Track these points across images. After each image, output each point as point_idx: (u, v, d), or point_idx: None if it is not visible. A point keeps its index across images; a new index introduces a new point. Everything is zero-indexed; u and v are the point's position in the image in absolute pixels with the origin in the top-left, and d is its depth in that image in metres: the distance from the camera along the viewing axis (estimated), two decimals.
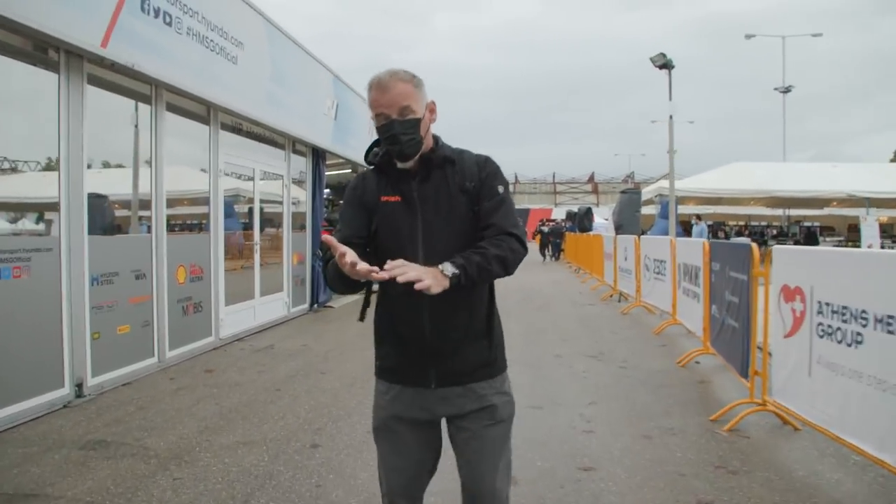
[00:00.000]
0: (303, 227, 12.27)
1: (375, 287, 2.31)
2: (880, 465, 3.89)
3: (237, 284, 9.65)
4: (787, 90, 40.31)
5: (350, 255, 1.96)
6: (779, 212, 40.29)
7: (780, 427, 5.31)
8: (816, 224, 39.97)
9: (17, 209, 6.23)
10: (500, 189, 2.30)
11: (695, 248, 8.39)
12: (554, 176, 71.98)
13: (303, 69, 11.04)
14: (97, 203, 7.03)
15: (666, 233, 20.51)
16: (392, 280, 1.91)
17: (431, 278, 1.97)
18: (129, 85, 6.87)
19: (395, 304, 2.29)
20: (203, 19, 7.54)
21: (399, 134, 2.19)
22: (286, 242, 11.38)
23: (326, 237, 2.06)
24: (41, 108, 5.80)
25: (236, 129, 9.47)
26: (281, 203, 11.33)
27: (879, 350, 3.81)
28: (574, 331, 10.15)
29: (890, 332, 3.71)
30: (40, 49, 5.70)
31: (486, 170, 2.31)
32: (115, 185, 7.25)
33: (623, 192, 20.19)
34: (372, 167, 2.39)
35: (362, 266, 1.94)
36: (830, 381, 4.29)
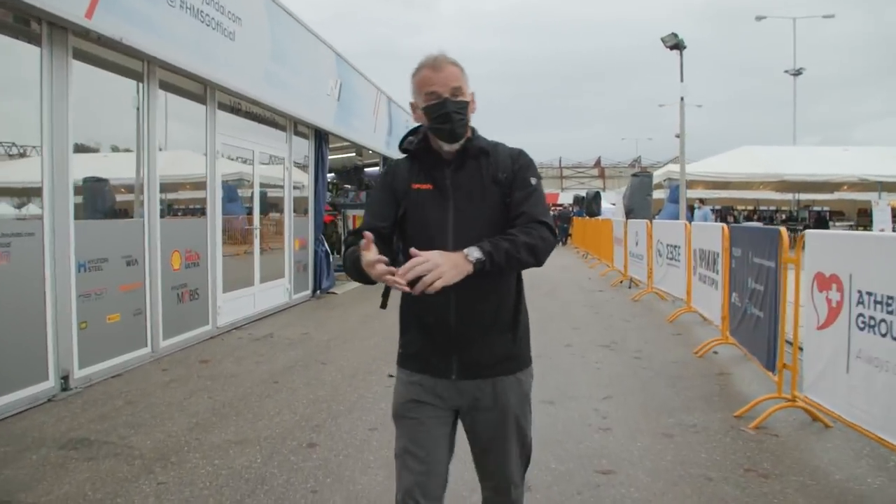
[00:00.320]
0: (305, 212, 11.92)
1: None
2: None
3: (236, 270, 9.32)
4: (797, 73, 39.67)
5: (372, 255, 1.99)
6: (788, 196, 39.79)
7: (810, 424, 4.97)
8: (826, 209, 39.52)
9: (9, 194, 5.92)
10: (533, 181, 2.29)
11: (713, 234, 8.02)
12: (560, 160, 71.48)
13: (304, 48, 10.64)
14: (97, 187, 6.76)
15: (675, 217, 20.13)
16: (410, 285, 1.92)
17: (451, 267, 1.96)
18: (120, 61, 6.51)
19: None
20: None
21: (452, 112, 2.20)
22: (288, 227, 11.03)
23: (367, 234, 2.04)
24: (25, 85, 5.45)
25: (235, 110, 9.11)
26: (282, 187, 10.96)
27: None
28: (584, 318, 9.81)
29: None
30: (22, 21, 5.34)
31: (519, 162, 2.31)
32: (120, 168, 6.90)
33: (634, 175, 19.74)
34: (405, 155, 2.39)
35: (381, 268, 1.95)
36: (872, 377, 3.94)
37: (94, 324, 6.03)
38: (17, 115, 5.68)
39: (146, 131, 6.87)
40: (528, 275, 2.40)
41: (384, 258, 1.98)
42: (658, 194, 27.71)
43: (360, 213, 16.88)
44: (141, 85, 6.84)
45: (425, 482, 2.26)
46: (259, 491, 3.76)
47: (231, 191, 9.82)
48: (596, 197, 28.30)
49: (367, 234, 2.04)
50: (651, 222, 12.53)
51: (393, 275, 1.92)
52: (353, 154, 18.19)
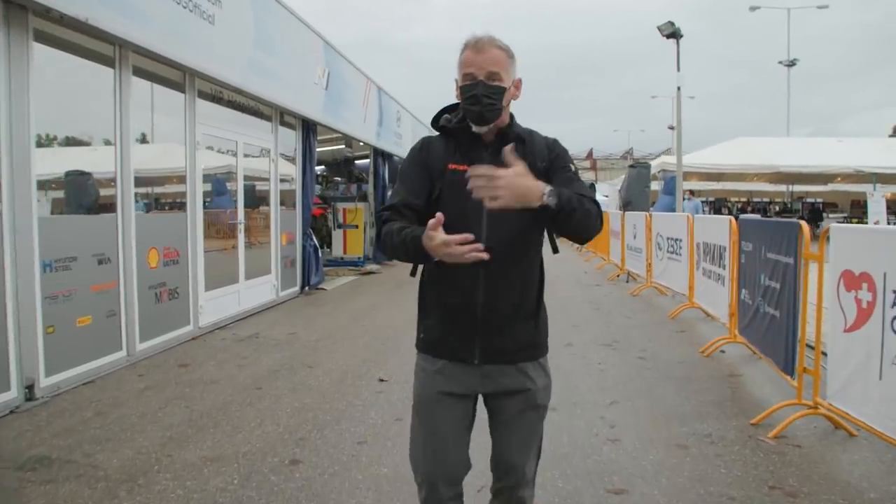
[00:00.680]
0: (293, 205, 11.49)
1: None
2: None
3: (220, 267, 8.90)
4: (791, 63, 39.41)
5: (443, 234, 1.97)
6: (781, 188, 39.58)
7: (832, 432, 4.62)
8: (819, 201, 39.35)
9: None
10: (572, 167, 2.35)
11: (719, 227, 7.66)
12: None
13: (290, 34, 10.20)
14: (79, 181, 6.36)
15: (670, 209, 19.78)
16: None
17: (515, 197, 1.97)
18: (88, 45, 6.06)
19: (450, 273, 2.21)
20: None
21: (482, 95, 2.19)
22: (274, 221, 10.60)
23: (439, 216, 1.98)
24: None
25: (216, 99, 8.66)
26: (268, 179, 10.53)
27: None
28: (583, 315, 9.44)
29: None
30: None
31: (555, 150, 2.35)
32: (91, 161, 6.46)
33: (631, 166, 19.39)
34: (438, 133, 2.38)
35: (460, 248, 1.95)
36: None
37: (62, 327, 5.61)
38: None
39: (119, 121, 6.43)
40: None
41: (458, 237, 1.96)
42: (653, 186, 27.36)
43: (350, 205, 16.51)
44: (113, 71, 6.39)
45: (445, 468, 2.32)
46: None
47: (220, 184, 9.48)
48: (591, 188, 27.81)
49: (439, 215, 1.98)
50: (650, 215, 12.17)
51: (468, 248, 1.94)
52: (343, 146, 17.75)
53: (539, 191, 2.01)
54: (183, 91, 7.79)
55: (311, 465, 4.05)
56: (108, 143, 6.45)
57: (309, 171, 11.79)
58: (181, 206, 7.89)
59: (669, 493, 3.67)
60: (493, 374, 2.30)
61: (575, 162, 2.55)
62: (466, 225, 2.07)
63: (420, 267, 2.38)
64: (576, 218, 2.10)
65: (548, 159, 2.31)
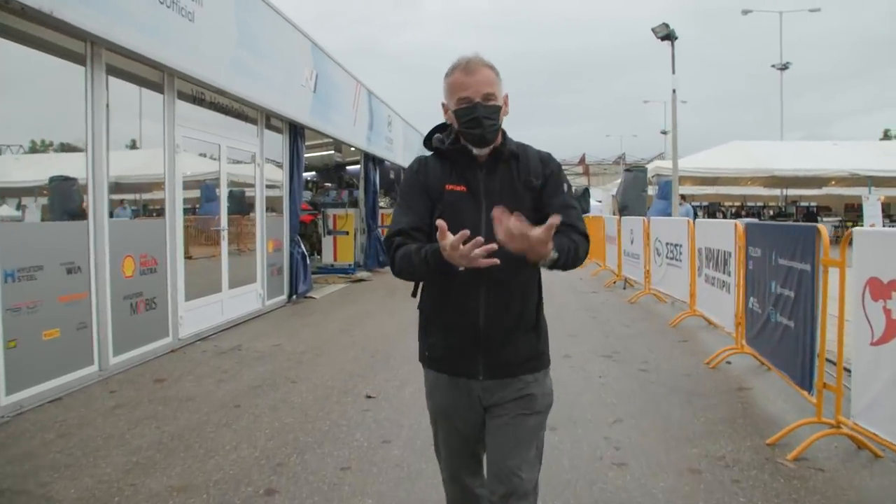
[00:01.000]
0: (280, 211, 11.11)
1: None
2: None
3: (202, 276, 8.53)
4: (784, 67, 39.24)
5: (451, 237, 1.96)
6: (776, 192, 39.41)
7: (855, 453, 4.28)
8: (813, 204, 39.21)
9: None
10: (566, 188, 2.37)
11: (723, 231, 7.32)
12: None
13: (276, 34, 9.84)
14: (64, 187, 6.02)
15: (664, 214, 19.47)
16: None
17: (535, 256, 2.02)
18: (56, 40, 5.69)
19: (451, 290, 2.26)
20: None
21: (482, 118, 2.21)
22: (260, 228, 10.21)
23: (441, 223, 1.98)
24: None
25: (198, 100, 8.30)
26: (253, 185, 10.15)
27: None
28: (581, 324, 9.08)
29: None
30: None
31: (549, 167, 2.35)
32: (61, 166, 6.12)
33: (627, 169, 19.07)
34: (431, 153, 2.40)
35: (467, 247, 1.93)
36: None
37: (26, 341, 5.23)
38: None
39: (90, 122, 6.06)
40: None
41: (467, 232, 1.94)
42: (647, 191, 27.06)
43: (341, 212, 16.15)
44: (84, 69, 6.02)
45: (465, 466, 2.49)
46: None
47: (210, 190, 9.15)
48: (585, 193, 27.57)
49: (441, 223, 1.97)
50: (648, 219, 11.84)
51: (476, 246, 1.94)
52: (332, 151, 17.36)
53: (547, 252, 2.04)
54: (161, 91, 7.41)
55: (288, 495, 3.68)
56: (66, 147, 6.08)
57: (297, 176, 11.42)
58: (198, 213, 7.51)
59: None
60: (496, 388, 2.33)
61: (567, 168, 2.53)
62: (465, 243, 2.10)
63: (420, 286, 2.43)
64: (565, 269, 2.24)
65: (542, 176, 2.32)
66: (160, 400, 5.49)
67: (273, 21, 9.71)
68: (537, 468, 2.38)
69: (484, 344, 2.30)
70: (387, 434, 4.64)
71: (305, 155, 18.40)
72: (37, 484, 3.81)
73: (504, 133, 2.36)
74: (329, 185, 21.24)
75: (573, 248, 2.21)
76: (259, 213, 10.19)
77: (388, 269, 12.09)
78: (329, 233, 16.20)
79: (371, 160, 16.26)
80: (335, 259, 16.00)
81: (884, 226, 25.91)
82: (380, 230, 17.09)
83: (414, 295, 2.46)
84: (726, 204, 44.33)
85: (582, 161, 68.45)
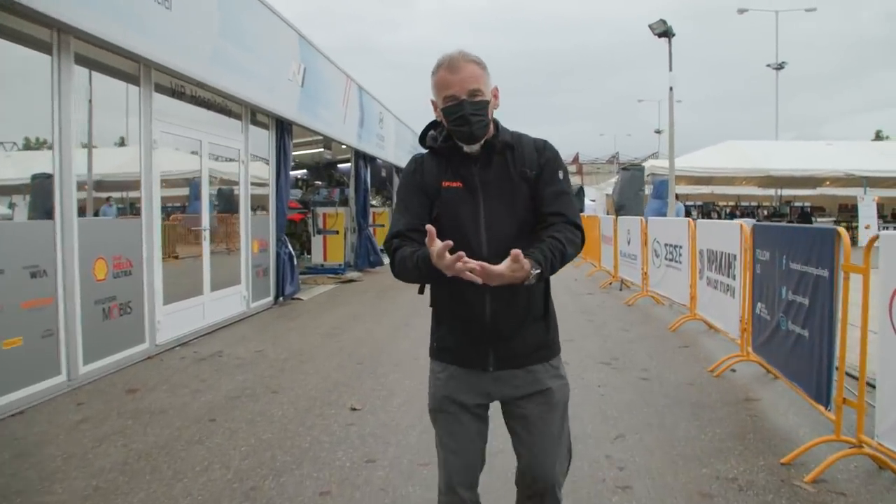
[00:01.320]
0: (266, 210, 10.75)
1: None
2: None
3: (182, 278, 8.17)
4: (780, 67, 39.10)
5: (440, 244, 1.98)
6: (770, 192, 39.22)
7: (877, 473, 3.95)
8: (808, 205, 39.05)
9: None
10: (560, 174, 2.34)
11: (728, 233, 7.00)
12: None
13: (261, 25, 9.48)
14: (45, 184, 5.66)
15: (659, 213, 19.17)
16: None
17: (501, 283, 2.03)
18: (17, 26, 5.32)
19: (456, 287, 2.18)
20: None
21: (469, 115, 2.20)
22: (244, 227, 9.85)
23: (430, 228, 2.02)
24: None
25: (177, 94, 7.93)
26: (238, 182, 9.77)
27: None
28: (577, 327, 8.75)
29: None
30: None
31: (545, 155, 2.33)
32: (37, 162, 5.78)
33: (624, 168, 18.80)
34: (427, 151, 2.40)
35: (450, 259, 1.96)
36: None
37: None
38: None
39: (57, 115, 5.68)
40: None
41: (449, 243, 1.97)
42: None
43: (331, 210, 15.79)
44: (51, 59, 5.65)
45: (463, 475, 2.34)
46: None
47: (197, 188, 8.81)
48: (579, 192, 27.30)
49: (430, 228, 2.01)
50: (646, 220, 11.52)
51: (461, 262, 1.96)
52: (322, 149, 16.97)
53: (524, 279, 2.05)
54: (138, 84, 7.04)
55: None
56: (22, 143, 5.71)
57: (283, 174, 11.05)
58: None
59: None
60: (506, 378, 2.32)
61: (567, 169, 2.42)
62: (465, 238, 2.16)
63: (429, 289, 2.40)
64: (559, 267, 2.20)
65: (538, 165, 2.29)
66: (130, 413, 5.13)
67: (258, 11, 9.35)
68: (568, 464, 2.47)
69: (492, 336, 2.29)
70: (371, 452, 4.29)
71: (295, 152, 18.06)
72: None
73: (497, 124, 2.34)
74: (319, 183, 20.88)
75: (558, 251, 2.16)
76: (244, 212, 9.82)
77: (379, 269, 11.87)
78: (319, 232, 15.84)
79: (362, 158, 15.89)
80: (325, 259, 15.64)
81: (878, 227, 25.74)
82: (370, 229, 16.74)
83: (420, 292, 2.45)
84: (720, 204, 44.13)
85: (576, 160, 68.21)
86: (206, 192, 8.65)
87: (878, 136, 55.97)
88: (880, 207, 31.02)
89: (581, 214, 16.44)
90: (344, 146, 15.41)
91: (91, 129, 6.39)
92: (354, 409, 5.19)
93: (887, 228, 30.60)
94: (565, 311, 10.00)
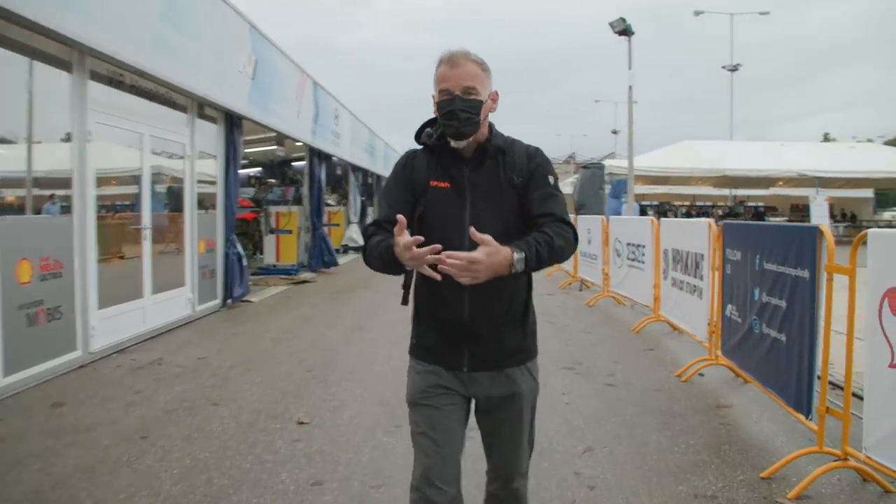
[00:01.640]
0: (213, 208, 10.23)
1: None
2: None
3: (121, 280, 7.65)
4: (734, 68, 39.55)
5: (407, 237, 2.03)
6: (724, 192, 39.68)
7: (862, 486, 3.72)
8: (761, 204, 39.63)
9: None
10: (551, 179, 2.34)
11: (694, 232, 6.76)
12: None
13: (208, 12, 8.96)
14: None
15: (615, 213, 19.05)
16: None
17: (488, 271, 2.02)
18: None
19: (436, 286, 2.16)
20: None
21: (459, 110, 2.20)
22: (189, 226, 9.32)
23: (400, 218, 2.03)
24: None
25: (115, 83, 7.39)
26: (183, 179, 9.25)
27: None
28: (539, 330, 8.42)
29: None
30: None
31: (535, 161, 2.34)
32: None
33: (584, 167, 18.65)
34: (422, 147, 2.40)
35: (418, 251, 2.01)
36: None
37: None
38: None
39: None
40: None
41: (420, 238, 2.01)
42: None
43: (284, 209, 15.30)
44: None
45: (441, 466, 2.27)
46: None
47: (159, 186, 8.47)
48: None
49: (401, 217, 2.01)
50: (607, 219, 11.30)
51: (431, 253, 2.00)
52: (274, 146, 16.43)
53: (508, 261, 2.05)
54: (70, 70, 6.52)
55: None
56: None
57: (233, 171, 10.53)
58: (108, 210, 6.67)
59: None
60: (481, 380, 2.34)
61: (557, 175, 2.38)
62: (449, 239, 2.12)
63: (412, 284, 2.39)
64: (547, 263, 2.17)
65: (527, 172, 2.30)
66: (53, 431, 4.64)
67: None
68: (530, 452, 2.52)
69: (469, 337, 2.30)
70: (319, 473, 3.90)
71: (247, 149, 17.53)
72: None
73: (492, 127, 2.34)
74: (272, 181, 20.32)
75: (544, 241, 2.14)
76: (189, 210, 9.30)
77: (334, 269, 11.44)
78: (271, 231, 15.29)
79: (316, 155, 15.40)
80: (278, 259, 15.09)
81: (830, 227, 26.06)
82: (325, 229, 16.26)
83: (404, 303, 2.43)
84: (676, 203, 44.57)
85: None
86: (147, 189, 8.11)
87: (826, 139, 57.31)
88: (830, 207, 31.60)
89: None
90: (299, 143, 14.91)
91: (31, 122, 5.92)
92: (302, 423, 4.79)
93: (837, 228, 31.23)
94: None
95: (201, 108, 9.62)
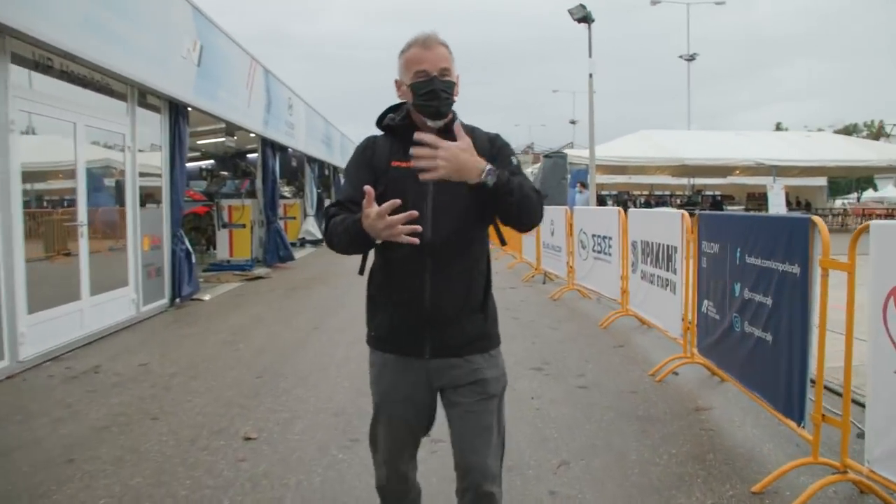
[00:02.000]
0: (159, 203, 9.66)
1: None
2: None
3: (55, 281, 7.09)
4: (691, 58, 39.73)
5: (377, 207, 2.02)
6: (683, 181, 39.93)
7: (859, 498, 3.45)
8: (718, 193, 40.01)
9: None
10: (514, 160, 2.36)
11: (666, 223, 6.46)
12: None
13: None
14: None
15: (584, 203, 18.86)
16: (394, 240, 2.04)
17: (456, 170, 2.06)
18: None
19: (395, 271, 2.29)
20: None
21: (440, 90, 2.24)
22: (132, 222, 8.74)
23: (368, 189, 2.03)
24: None
25: (42, 67, 6.80)
26: (123, 171, 8.66)
27: None
28: (502, 326, 7.85)
29: None
30: None
31: (496, 144, 2.39)
32: None
33: (547, 156, 18.40)
34: (382, 133, 2.40)
35: (393, 218, 2.00)
36: None
37: None
38: None
39: None
40: None
41: (397, 201, 2.00)
42: None
43: (237, 203, 14.75)
44: None
45: (405, 453, 2.45)
46: None
47: (97, 179, 7.91)
48: None
49: (368, 188, 2.02)
50: (571, 209, 10.99)
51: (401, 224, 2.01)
52: (224, 138, 15.79)
53: (479, 168, 2.08)
54: None
55: None
56: None
57: (179, 163, 9.94)
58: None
59: None
60: (444, 368, 2.31)
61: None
62: (411, 221, 2.05)
63: (368, 265, 2.40)
64: (514, 200, 2.15)
65: (489, 154, 2.28)
66: None
67: None
68: (501, 453, 2.44)
69: (430, 323, 2.29)
70: (265, 500, 3.47)
71: (200, 141, 16.88)
72: None
73: (454, 113, 2.35)
74: (225, 173, 19.68)
75: (517, 184, 2.15)
76: (130, 204, 8.71)
77: (289, 264, 10.97)
78: (224, 226, 14.69)
79: (270, 146, 14.82)
80: (231, 255, 14.51)
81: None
82: (280, 223, 15.71)
83: (361, 272, 2.43)
84: (634, 193, 44.76)
85: None
86: (82, 183, 7.51)
87: (778, 128, 58.15)
88: (786, 196, 31.90)
89: None
90: (252, 134, 14.31)
91: None
92: (248, 439, 4.35)
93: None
94: None
95: (143, 96, 9.03)
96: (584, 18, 16.54)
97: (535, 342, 7.23)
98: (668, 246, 6.33)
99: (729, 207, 34.31)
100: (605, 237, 8.78)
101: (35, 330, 6.44)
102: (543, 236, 12.51)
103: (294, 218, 19.88)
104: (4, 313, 5.97)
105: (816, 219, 3.51)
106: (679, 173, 34.78)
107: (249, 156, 18.88)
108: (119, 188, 8.63)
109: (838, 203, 44.67)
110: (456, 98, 2.32)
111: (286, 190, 20.58)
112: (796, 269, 3.70)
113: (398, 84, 2.34)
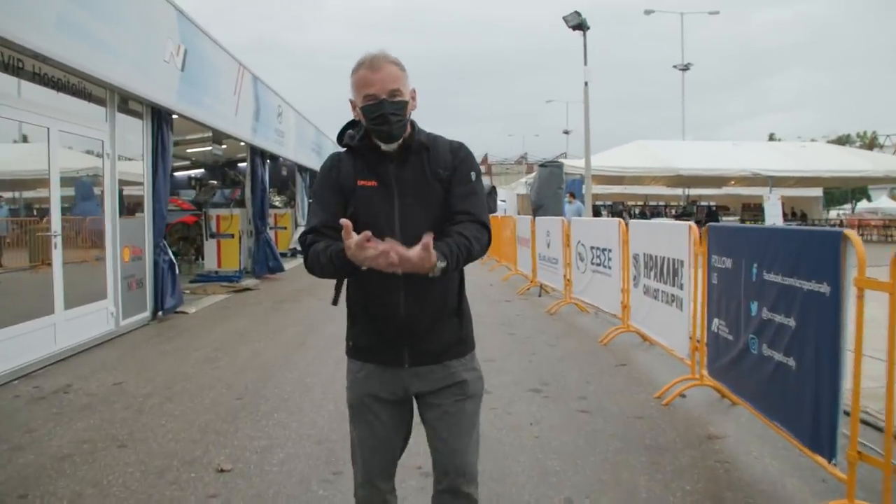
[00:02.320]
0: (141, 213, 9.28)
1: None
2: None
3: (26, 295, 6.71)
4: (685, 67, 39.60)
5: (356, 237, 1.96)
6: (678, 191, 39.72)
7: None
8: (713, 204, 39.84)
9: None
10: (473, 176, 2.34)
11: (672, 235, 6.11)
12: None
13: None
14: None
15: (575, 214, 18.50)
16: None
17: (406, 269, 1.98)
18: None
19: (370, 284, 2.25)
20: None
21: (389, 114, 2.21)
22: (111, 232, 8.35)
23: (345, 222, 1.99)
24: None
25: (13, 69, 6.43)
26: (102, 179, 8.28)
27: None
28: (497, 343, 7.71)
29: None
30: None
31: (459, 156, 2.35)
32: None
33: (542, 165, 18.02)
34: (345, 150, 2.39)
35: (371, 252, 1.96)
36: None
37: None
38: None
39: None
40: None
41: (368, 233, 1.95)
42: None
43: (225, 212, 14.33)
44: None
45: (381, 467, 2.38)
46: None
47: (85, 188, 7.72)
48: (492, 192, 26.32)
49: (345, 222, 1.99)
50: (568, 220, 10.65)
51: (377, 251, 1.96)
52: (211, 146, 15.41)
53: (430, 266, 2.01)
54: None
55: None
56: None
57: (162, 171, 9.57)
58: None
59: None
60: (423, 374, 2.32)
61: (480, 170, 2.37)
62: (380, 236, 2.04)
63: (343, 289, 2.37)
64: (462, 266, 2.22)
65: (451, 167, 2.31)
66: None
67: None
68: (476, 456, 2.42)
69: (407, 333, 2.29)
70: None
71: (189, 150, 16.51)
72: None
73: (414, 125, 2.34)
74: (214, 182, 19.31)
75: (464, 247, 2.16)
76: (109, 214, 8.32)
77: (278, 275, 10.59)
78: (212, 236, 14.29)
79: (259, 154, 14.46)
80: (219, 265, 14.09)
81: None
82: (270, 233, 15.33)
83: (335, 303, 2.40)
84: (629, 203, 44.52)
85: (484, 161, 67.93)
86: (55, 192, 7.12)
87: (772, 138, 58.07)
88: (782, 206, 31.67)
89: (495, 214, 15.49)
90: (242, 143, 13.95)
91: None
92: (222, 471, 3.97)
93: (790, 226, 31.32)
94: (483, 324, 8.95)
95: (124, 101, 8.67)
96: (580, 26, 16.27)
97: (533, 360, 6.87)
98: (673, 260, 5.98)
99: (724, 218, 34.08)
100: (604, 249, 8.44)
101: (4, 346, 6.08)
102: (539, 248, 12.16)
103: (285, 228, 19.50)
104: None
105: (850, 232, 3.17)
106: (674, 184, 34.57)
107: (240, 165, 18.52)
108: (97, 196, 8.25)
109: (833, 214, 44.55)
110: (410, 114, 2.28)
111: (277, 199, 20.22)
112: (825, 289, 3.35)
113: (353, 104, 2.31)
